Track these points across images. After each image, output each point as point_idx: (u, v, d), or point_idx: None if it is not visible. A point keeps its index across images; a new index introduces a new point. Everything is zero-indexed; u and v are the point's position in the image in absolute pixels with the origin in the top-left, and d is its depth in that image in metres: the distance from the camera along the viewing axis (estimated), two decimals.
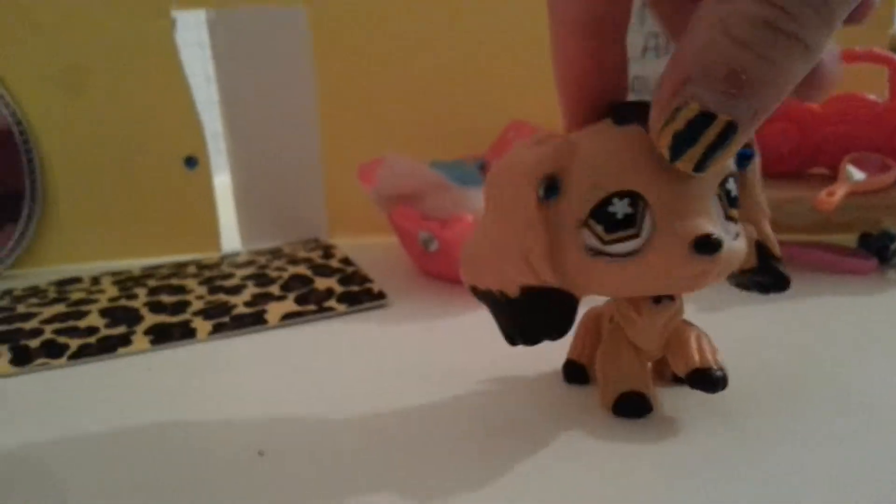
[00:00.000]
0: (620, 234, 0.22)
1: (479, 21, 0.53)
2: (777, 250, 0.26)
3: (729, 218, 0.23)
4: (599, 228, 0.22)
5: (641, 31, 0.49)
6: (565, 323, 0.24)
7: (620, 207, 0.22)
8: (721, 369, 0.24)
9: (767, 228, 0.26)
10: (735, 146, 0.20)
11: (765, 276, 0.26)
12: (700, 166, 0.20)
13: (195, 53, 0.67)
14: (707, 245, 0.22)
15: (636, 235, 0.22)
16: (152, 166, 0.53)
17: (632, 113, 0.22)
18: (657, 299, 0.25)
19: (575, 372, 0.29)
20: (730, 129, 0.19)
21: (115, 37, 0.51)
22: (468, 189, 0.41)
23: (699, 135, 0.19)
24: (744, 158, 0.25)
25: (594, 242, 0.23)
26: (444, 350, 0.34)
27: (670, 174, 0.22)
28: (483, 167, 0.49)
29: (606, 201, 0.22)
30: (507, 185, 0.23)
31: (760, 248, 0.26)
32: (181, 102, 0.52)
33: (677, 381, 0.28)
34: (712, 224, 0.22)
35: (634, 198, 0.22)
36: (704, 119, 0.19)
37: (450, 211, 0.40)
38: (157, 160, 0.53)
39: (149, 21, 0.51)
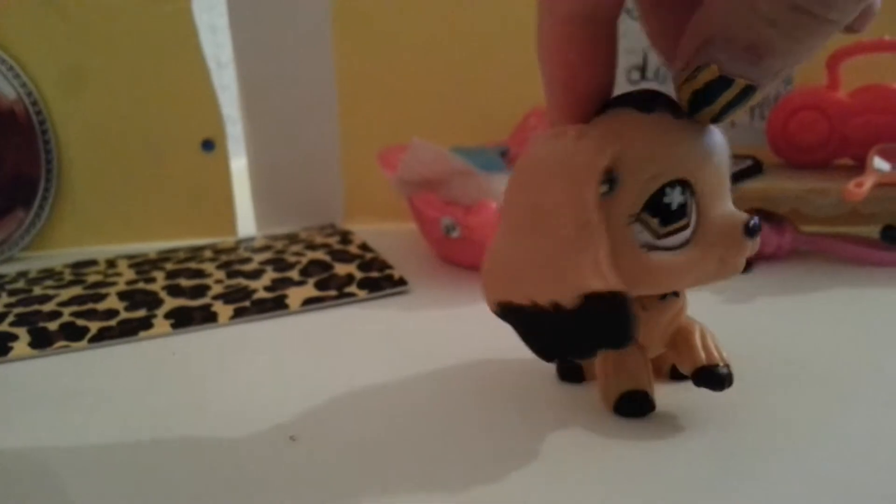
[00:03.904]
0: (675, 225, 0.21)
1: (502, 6, 0.52)
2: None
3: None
4: (655, 222, 0.21)
5: None
6: (631, 328, 0.21)
7: (675, 197, 0.21)
8: (727, 366, 0.24)
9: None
10: (755, 101, 0.20)
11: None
12: (716, 120, 0.21)
13: (206, 38, 0.66)
14: (756, 228, 0.21)
15: (687, 225, 0.22)
16: (169, 149, 0.52)
17: (654, 101, 0.22)
18: (663, 295, 0.24)
19: (570, 370, 0.28)
20: (748, 90, 0.20)
21: (134, 18, 0.50)
22: (492, 175, 0.40)
23: (717, 96, 0.20)
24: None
25: (647, 237, 0.21)
26: (468, 337, 0.34)
27: (711, 159, 0.22)
28: (505, 154, 0.49)
29: (661, 192, 0.21)
30: (558, 183, 0.21)
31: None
32: (199, 84, 0.51)
33: (675, 377, 0.27)
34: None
35: (684, 186, 0.21)
36: (723, 82, 0.19)
37: (474, 197, 0.40)
38: (175, 143, 0.52)
39: (168, 1, 0.50)
